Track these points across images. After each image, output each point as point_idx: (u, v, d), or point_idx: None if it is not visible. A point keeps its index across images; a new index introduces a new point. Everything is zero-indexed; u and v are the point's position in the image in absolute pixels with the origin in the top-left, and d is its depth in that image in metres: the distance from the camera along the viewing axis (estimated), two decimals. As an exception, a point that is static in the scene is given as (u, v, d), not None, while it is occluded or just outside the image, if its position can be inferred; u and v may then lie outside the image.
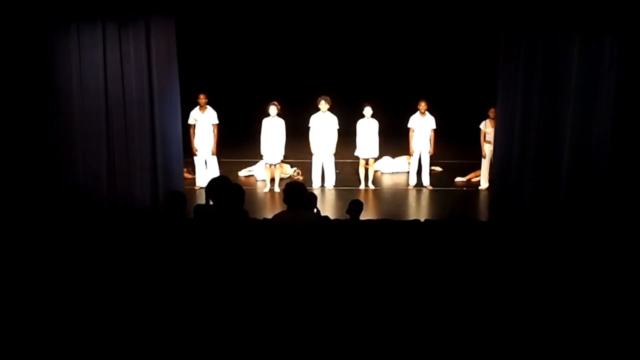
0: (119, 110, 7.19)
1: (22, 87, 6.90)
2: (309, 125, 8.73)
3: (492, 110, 8.22)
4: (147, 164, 7.33)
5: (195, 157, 8.64)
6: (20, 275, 4.06)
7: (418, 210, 8.23)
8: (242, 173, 9.59)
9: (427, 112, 8.74)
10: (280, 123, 8.52)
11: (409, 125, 8.80)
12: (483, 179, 8.75)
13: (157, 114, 7.30)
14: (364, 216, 5.54)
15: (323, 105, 8.60)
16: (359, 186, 8.90)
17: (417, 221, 6.27)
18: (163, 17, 7.14)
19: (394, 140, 9.63)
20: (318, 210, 4.96)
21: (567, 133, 7.22)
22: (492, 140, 8.04)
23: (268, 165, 8.70)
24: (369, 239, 4.77)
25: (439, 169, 9.78)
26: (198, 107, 8.55)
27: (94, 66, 7.08)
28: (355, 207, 5.11)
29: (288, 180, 8.17)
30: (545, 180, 7.31)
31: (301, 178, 9.13)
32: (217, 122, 8.55)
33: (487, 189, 8.59)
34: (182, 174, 7.86)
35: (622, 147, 7.13)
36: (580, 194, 7.25)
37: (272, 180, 8.73)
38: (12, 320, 3.56)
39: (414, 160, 8.90)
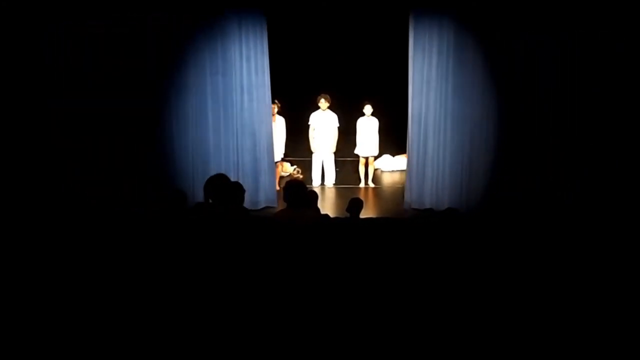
0: (206, 107, 7.23)
1: (120, 87, 7.01)
2: (309, 123, 8.73)
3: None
4: (235, 161, 7.36)
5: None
6: (28, 270, 4.07)
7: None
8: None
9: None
10: (281, 121, 8.51)
11: (409, 124, 8.80)
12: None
13: (247, 110, 7.32)
14: (364, 214, 5.54)
15: (323, 103, 8.60)
16: (359, 184, 8.90)
17: (416, 220, 6.28)
18: (255, 12, 7.20)
19: (394, 139, 9.62)
20: (317, 209, 4.97)
21: (486, 129, 7.21)
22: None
23: (268, 164, 8.69)
24: (369, 237, 4.77)
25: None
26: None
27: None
28: (355, 205, 5.11)
29: (288, 179, 8.19)
30: (464, 180, 7.31)
31: (301, 176, 9.13)
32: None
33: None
34: (273, 172, 7.82)
35: (545, 145, 7.14)
36: (504, 192, 7.23)
37: (272, 178, 8.73)
38: (15, 320, 3.57)
39: (414, 158, 8.90)
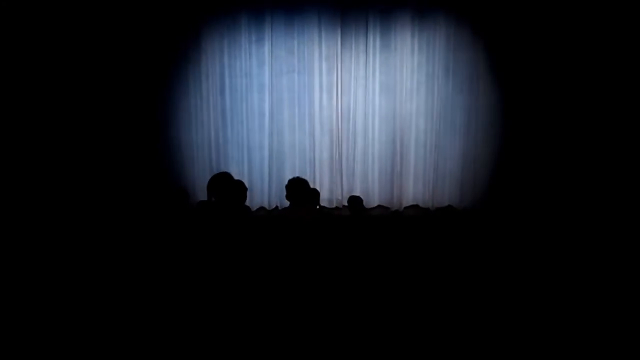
0: (282, 106, 7.27)
1: (190, 84, 7.09)
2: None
3: None
4: (312, 159, 7.40)
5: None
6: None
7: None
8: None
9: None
10: None
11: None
12: None
13: (326, 109, 7.33)
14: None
15: (323, 101, 8.61)
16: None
17: (415, 217, 6.31)
18: (331, 9, 7.17)
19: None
20: (320, 206, 5.01)
21: (415, 126, 7.29)
22: None
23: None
24: (369, 233, 4.82)
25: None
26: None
27: (259, 61, 7.19)
28: (354, 202, 5.15)
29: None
30: (395, 177, 7.33)
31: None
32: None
33: None
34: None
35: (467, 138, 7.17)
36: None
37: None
38: (16, 319, 3.60)
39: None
